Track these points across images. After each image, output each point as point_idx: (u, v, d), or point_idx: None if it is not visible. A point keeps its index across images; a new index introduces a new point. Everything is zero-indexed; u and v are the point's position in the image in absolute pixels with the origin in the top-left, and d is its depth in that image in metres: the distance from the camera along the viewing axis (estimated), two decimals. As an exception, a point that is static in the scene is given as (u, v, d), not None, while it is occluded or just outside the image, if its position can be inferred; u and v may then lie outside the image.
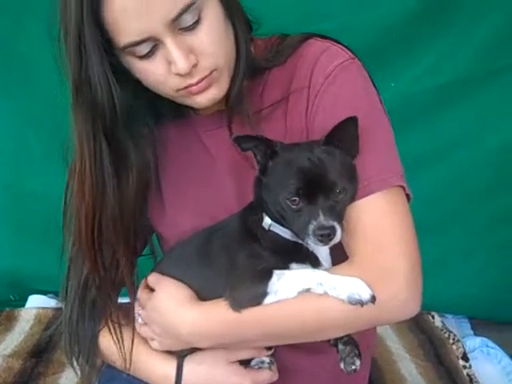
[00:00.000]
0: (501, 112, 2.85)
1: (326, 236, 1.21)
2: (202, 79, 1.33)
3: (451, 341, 2.94)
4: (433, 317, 3.16)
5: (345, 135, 1.28)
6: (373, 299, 1.22)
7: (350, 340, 1.44)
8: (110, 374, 1.66)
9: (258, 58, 1.48)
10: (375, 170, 1.34)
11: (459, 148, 2.91)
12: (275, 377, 1.54)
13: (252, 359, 1.53)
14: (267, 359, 1.54)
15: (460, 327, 3.18)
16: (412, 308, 1.31)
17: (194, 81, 1.33)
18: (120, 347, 1.54)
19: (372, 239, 1.31)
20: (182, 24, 1.27)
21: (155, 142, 1.54)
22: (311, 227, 1.21)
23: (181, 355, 1.50)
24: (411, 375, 2.73)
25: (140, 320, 1.54)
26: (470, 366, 2.77)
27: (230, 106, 1.43)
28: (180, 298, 1.41)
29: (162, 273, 1.53)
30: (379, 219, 1.32)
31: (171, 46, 1.27)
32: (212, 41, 1.31)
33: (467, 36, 2.71)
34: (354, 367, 1.41)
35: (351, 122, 1.26)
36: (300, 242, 1.30)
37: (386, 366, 2.75)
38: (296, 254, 1.33)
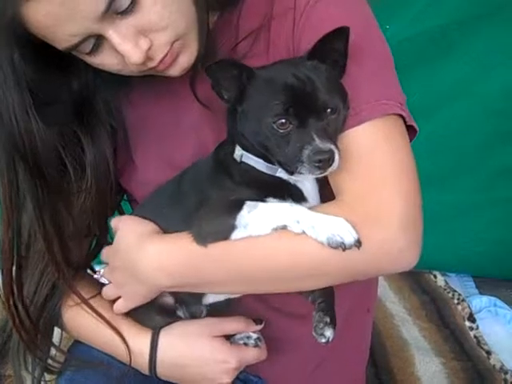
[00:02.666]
0: (502, 55, 2.63)
1: (325, 161, 1.05)
2: (165, 57, 1.17)
3: (456, 301, 2.85)
4: (435, 276, 3.08)
5: (332, 50, 1.13)
6: (357, 243, 1.04)
7: (325, 305, 1.28)
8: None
9: None
10: (368, 95, 1.16)
11: (459, 96, 2.73)
12: (263, 355, 1.40)
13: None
14: (254, 335, 1.39)
15: (464, 286, 3.08)
16: (408, 257, 1.12)
17: (155, 63, 1.18)
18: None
19: (362, 175, 1.14)
20: (119, 9, 1.09)
21: (116, 112, 1.43)
22: (306, 152, 1.05)
23: (156, 327, 1.35)
24: (414, 339, 2.62)
25: (103, 280, 1.40)
26: (477, 327, 2.69)
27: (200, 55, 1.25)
28: (141, 232, 1.27)
29: None
30: (371, 152, 1.15)
31: (114, 38, 1.12)
32: (160, 13, 1.13)
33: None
34: (324, 339, 1.25)
35: (340, 33, 1.10)
36: (277, 175, 1.17)
37: (387, 331, 2.64)
38: (273, 189, 1.17)
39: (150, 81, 1.31)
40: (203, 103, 1.28)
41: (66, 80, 1.32)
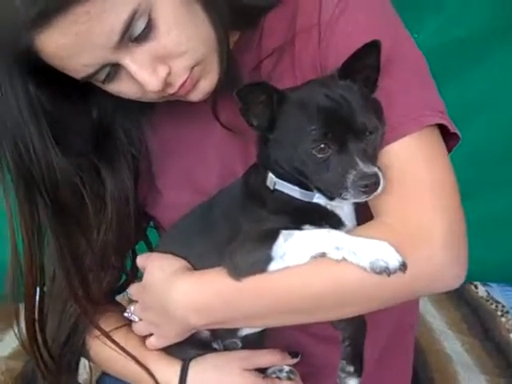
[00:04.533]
0: None
1: (371, 185, 1.01)
2: (184, 82, 1.14)
3: (499, 313, 2.76)
4: (476, 286, 2.98)
5: (364, 66, 1.08)
6: (403, 267, 1.00)
7: (351, 350, 1.24)
8: None
9: (246, 3, 1.24)
10: (404, 107, 1.12)
11: (491, 106, 2.70)
12: None
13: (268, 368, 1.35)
14: (287, 367, 1.34)
15: (507, 297, 2.96)
16: (455, 275, 1.10)
17: (174, 89, 1.15)
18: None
19: (401, 192, 1.10)
20: (133, 35, 1.06)
21: (139, 140, 1.40)
22: (350, 178, 1.01)
23: (186, 358, 1.31)
24: (456, 353, 2.53)
25: (133, 317, 1.36)
26: (523, 341, 2.59)
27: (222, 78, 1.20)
28: (171, 269, 1.23)
29: (158, 251, 1.36)
30: (409, 169, 1.11)
31: (131, 67, 1.09)
32: (178, 39, 1.10)
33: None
34: None
35: (372, 48, 1.06)
36: (314, 201, 1.12)
37: (428, 346, 2.55)
38: (310, 216, 1.13)
39: (171, 103, 1.27)
40: (226, 126, 1.24)
41: (86, 108, 1.30)
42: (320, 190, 1.10)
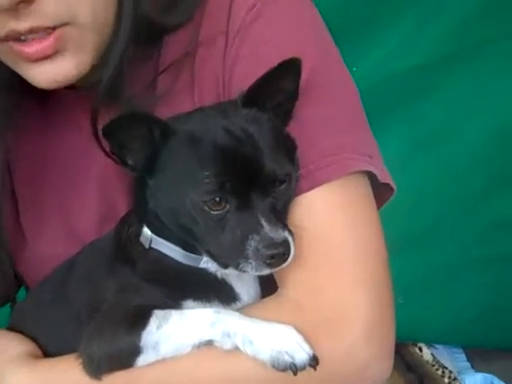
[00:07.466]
0: (487, 95, 2.48)
1: (279, 257, 0.85)
2: (37, 30, 0.91)
3: (446, 380, 2.65)
4: (420, 349, 2.86)
5: (277, 91, 0.92)
6: (313, 362, 0.86)
7: None
8: None
9: (153, 17, 1.07)
10: (324, 148, 0.97)
11: (441, 141, 2.56)
12: None
13: None
14: None
15: (454, 360, 2.83)
16: (377, 372, 0.96)
17: (20, 26, 0.90)
18: None
19: (314, 261, 0.95)
20: None
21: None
22: (252, 244, 0.84)
23: None
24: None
25: None
26: (473, 412, 2.48)
27: (103, 89, 1.01)
28: (10, 355, 1.03)
29: (11, 328, 1.16)
30: (327, 228, 0.96)
31: None
32: None
33: (438, 7, 2.33)
34: None
35: (290, 68, 0.90)
36: (201, 266, 0.95)
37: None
38: (194, 287, 0.96)
39: (44, 111, 1.10)
40: (109, 153, 1.00)
41: None
42: (212, 256, 0.91)
